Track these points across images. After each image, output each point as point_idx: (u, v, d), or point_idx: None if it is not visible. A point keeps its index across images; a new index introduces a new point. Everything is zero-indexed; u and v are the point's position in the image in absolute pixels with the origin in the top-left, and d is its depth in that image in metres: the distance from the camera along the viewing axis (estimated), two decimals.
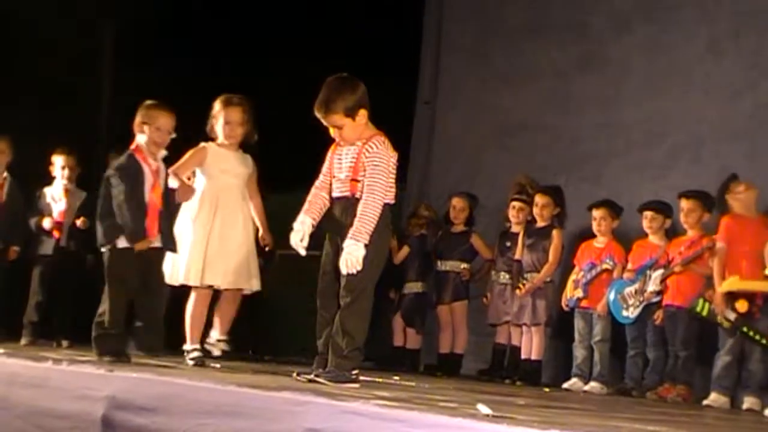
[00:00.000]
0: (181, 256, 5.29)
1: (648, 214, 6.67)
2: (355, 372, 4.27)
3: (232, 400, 3.23)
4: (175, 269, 5.33)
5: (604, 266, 6.79)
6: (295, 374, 4.32)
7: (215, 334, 5.52)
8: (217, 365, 5.34)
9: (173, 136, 5.24)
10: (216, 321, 5.53)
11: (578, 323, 6.89)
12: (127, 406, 3.50)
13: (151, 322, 5.23)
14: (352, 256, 4.19)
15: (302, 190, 4.60)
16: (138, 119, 5.22)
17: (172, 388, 3.48)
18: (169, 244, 5.23)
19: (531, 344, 7.03)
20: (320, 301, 4.45)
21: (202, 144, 5.51)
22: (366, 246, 4.20)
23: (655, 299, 6.52)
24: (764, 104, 7.05)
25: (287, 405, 3.07)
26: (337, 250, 4.33)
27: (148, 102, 5.28)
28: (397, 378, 5.72)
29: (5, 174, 6.89)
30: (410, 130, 9.05)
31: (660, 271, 6.49)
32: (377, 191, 4.28)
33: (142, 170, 5.13)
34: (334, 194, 4.43)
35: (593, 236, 6.96)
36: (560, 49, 8.20)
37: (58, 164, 7.18)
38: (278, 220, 6.58)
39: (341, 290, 4.28)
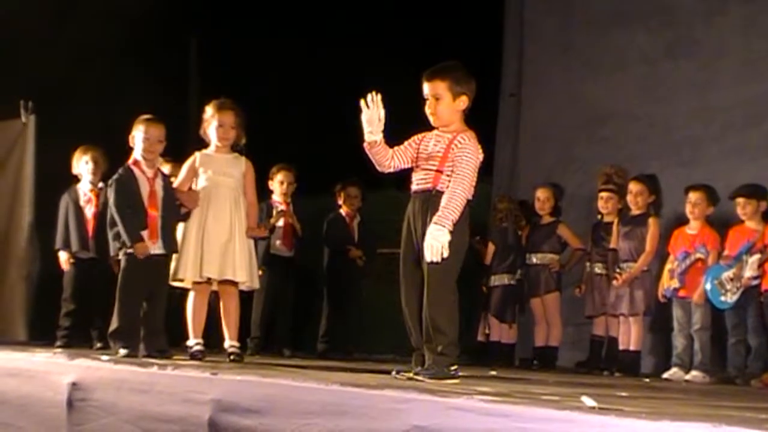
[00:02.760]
0: (178, 255, 5.65)
1: (740, 200, 6.52)
2: (453, 367, 4.26)
3: (336, 400, 3.24)
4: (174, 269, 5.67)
5: (698, 255, 6.66)
6: (394, 372, 4.31)
7: (226, 342, 5.71)
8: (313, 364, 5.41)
9: (164, 144, 5.79)
10: (224, 327, 5.73)
11: (676, 312, 6.77)
12: (233, 409, 3.53)
13: (156, 325, 5.69)
14: (437, 242, 4.16)
15: None
16: (131, 133, 5.74)
17: (277, 389, 3.51)
18: (172, 247, 5.66)
19: (629, 334, 6.93)
20: (404, 298, 4.44)
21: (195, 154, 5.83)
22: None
23: (754, 284, 6.37)
24: None
25: (392, 403, 3.07)
26: (417, 247, 4.33)
27: (140, 117, 5.78)
28: (494, 372, 5.70)
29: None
30: (494, 123, 9.01)
31: (757, 256, 6.35)
32: (465, 182, 4.26)
33: (137, 180, 5.67)
34: (414, 187, 4.43)
35: (687, 222, 6.83)
36: (648, 34, 8.06)
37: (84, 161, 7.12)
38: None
39: (424, 286, 4.27)
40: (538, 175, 8.30)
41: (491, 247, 7.88)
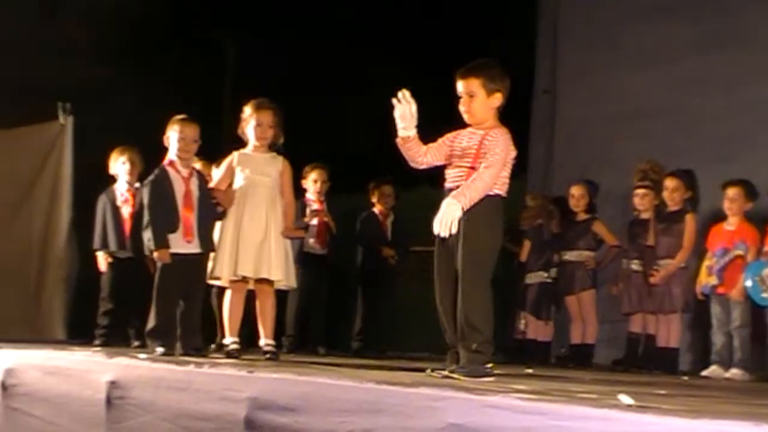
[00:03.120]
0: (215, 254, 5.70)
1: None
2: (488, 365, 4.25)
3: (371, 398, 3.24)
4: (211, 267, 5.71)
5: (737, 252, 6.58)
6: (429, 370, 4.31)
7: (262, 341, 5.73)
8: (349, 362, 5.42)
9: (198, 143, 5.79)
10: (259, 326, 5.76)
11: (715, 309, 6.70)
12: (269, 407, 3.55)
13: (192, 324, 5.72)
14: (447, 215, 4.15)
15: None
16: (166, 133, 5.76)
17: (312, 387, 3.52)
18: (209, 245, 5.70)
19: (667, 332, 6.87)
20: (438, 296, 4.43)
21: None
22: (470, 225, 4.16)
23: None
24: None
25: (427, 401, 3.07)
26: (449, 245, 4.31)
27: (175, 117, 5.80)
28: (530, 370, 5.68)
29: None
30: (528, 121, 8.97)
31: None
32: (492, 169, 4.24)
33: (172, 181, 5.68)
34: (447, 185, 4.41)
35: (725, 218, 6.75)
36: (686, 28, 7.94)
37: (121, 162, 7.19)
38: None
39: (458, 283, 4.25)
40: (572, 172, 8.24)
41: (527, 244, 7.85)
